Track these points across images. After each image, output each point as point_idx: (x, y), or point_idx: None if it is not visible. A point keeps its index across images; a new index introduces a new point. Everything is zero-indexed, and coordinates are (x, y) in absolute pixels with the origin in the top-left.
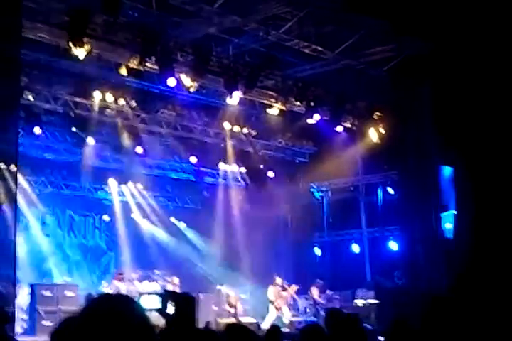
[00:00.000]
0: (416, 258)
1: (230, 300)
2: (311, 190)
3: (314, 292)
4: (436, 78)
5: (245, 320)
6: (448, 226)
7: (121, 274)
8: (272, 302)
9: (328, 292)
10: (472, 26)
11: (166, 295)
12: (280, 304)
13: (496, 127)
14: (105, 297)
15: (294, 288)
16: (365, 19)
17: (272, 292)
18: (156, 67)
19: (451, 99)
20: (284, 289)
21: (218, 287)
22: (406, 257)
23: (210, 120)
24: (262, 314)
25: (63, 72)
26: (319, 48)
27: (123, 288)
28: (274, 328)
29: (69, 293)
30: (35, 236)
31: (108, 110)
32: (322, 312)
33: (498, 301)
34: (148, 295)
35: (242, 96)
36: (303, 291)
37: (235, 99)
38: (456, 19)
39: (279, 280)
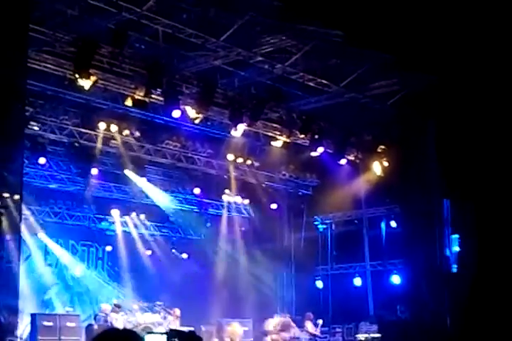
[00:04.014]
0: (419, 292)
1: (231, 335)
2: (315, 222)
3: (308, 325)
4: (441, 112)
5: None
6: (456, 249)
7: (118, 307)
8: (268, 333)
9: (318, 321)
10: (477, 61)
11: (172, 334)
12: (278, 337)
13: (501, 161)
14: (111, 332)
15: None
16: (369, 53)
17: (271, 323)
18: (161, 98)
19: (455, 133)
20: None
21: (219, 319)
22: (409, 291)
23: (214, 151)
24: None
25: (69, 103)
26: (324, 81)
27: (120, 319)
28: None
29: (70, 324)
30: (37, 265)
31: (113, 141)
32: None
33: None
34: (155, 334)
35: (246, 128)
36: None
37: (239, 131)
38: (461, 54)
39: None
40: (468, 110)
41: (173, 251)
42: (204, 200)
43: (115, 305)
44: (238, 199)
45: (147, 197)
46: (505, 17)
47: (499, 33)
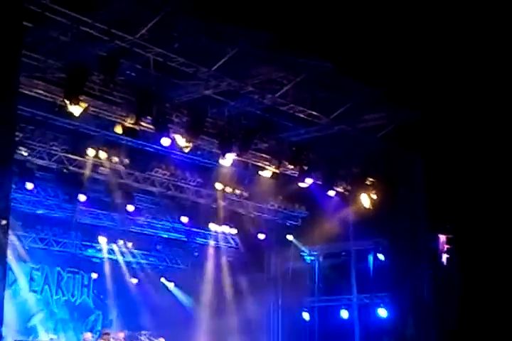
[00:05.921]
0: (406, 326)
1: None
2: (302, 253)
3: None
4: (429, 146)
5: None
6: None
7: (107, 334)
8: None
9: None
10: (464, 96)
11: None
12: None
13: (489, 196)
14: None
15: None
16: (359, 86)
17: None
18: (151, 126)
19: (443, 167)
20: None
21: None
22: (396, 324)
23: (203, 180)
24: None
25: (58, 129)
26: (314, 113)
27: None
28: None
29: None
30: (22, 291)
31: (101, 168)
32: None
33: None
34: None
35: (235, 157)
36: None
37: (228, 160)
38: (448, 89)
39: None
40: (456, 144)
41: (162, 280)
42: (192, 229)
43: (105, 333)
44: (226, 228)
45: (135, 224)
46: (491, 52)
47: (486, 68)
